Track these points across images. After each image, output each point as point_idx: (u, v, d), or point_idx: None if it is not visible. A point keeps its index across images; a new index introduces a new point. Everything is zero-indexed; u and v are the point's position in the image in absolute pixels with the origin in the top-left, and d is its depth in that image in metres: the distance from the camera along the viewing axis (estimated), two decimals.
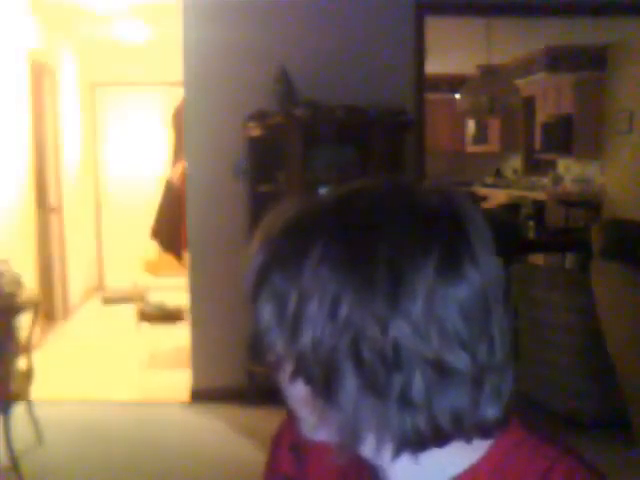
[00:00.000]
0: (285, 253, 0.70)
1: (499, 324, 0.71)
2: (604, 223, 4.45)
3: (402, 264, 0.67)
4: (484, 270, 0.69)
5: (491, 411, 0.71)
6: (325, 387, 0.69)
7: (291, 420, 0.83)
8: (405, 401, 0.67)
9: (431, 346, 0.66)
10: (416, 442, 0.69)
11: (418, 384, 0.67)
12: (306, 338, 0.68)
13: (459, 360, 0.67)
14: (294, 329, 0.69)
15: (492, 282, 0.71)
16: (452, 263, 0.68)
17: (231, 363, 4.41)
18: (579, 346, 3.93)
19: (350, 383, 0.67)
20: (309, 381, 0.70)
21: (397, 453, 0.71)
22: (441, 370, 0.67)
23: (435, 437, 0.69)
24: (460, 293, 0.68)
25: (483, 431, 0.72)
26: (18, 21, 5.44)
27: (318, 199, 0.74)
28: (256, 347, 0.75)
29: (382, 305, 0.66)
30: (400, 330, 0.66)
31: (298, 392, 0.72)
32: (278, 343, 0.71)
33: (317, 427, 0.73)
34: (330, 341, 0.67)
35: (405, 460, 0.72)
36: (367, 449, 0.72)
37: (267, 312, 0.71)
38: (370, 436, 0.70)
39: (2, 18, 5.13)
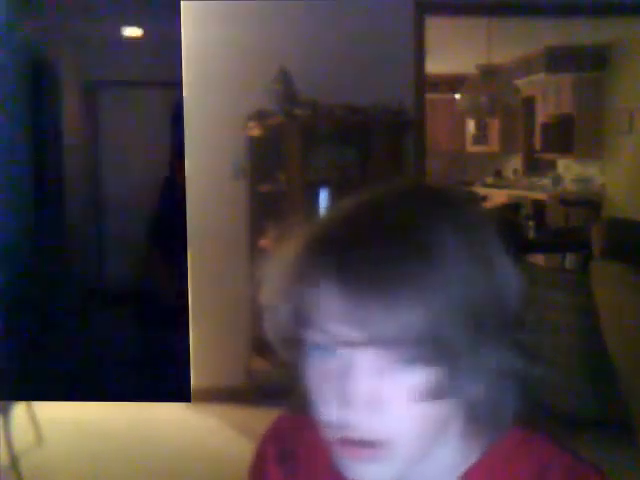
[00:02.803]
0: (418, 247, 0.68)
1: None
2: (604, 223, 4.44)
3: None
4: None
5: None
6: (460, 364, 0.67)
7: (276, 430, 0.86)
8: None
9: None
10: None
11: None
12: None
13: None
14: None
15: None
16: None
17: (231, 363, 4.41)
18: (579, 346, 3.93)
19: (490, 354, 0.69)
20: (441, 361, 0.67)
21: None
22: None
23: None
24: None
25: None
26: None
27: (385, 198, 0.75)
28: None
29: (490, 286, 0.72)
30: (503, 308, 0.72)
31: (407, 380, 0.67)
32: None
33: (406, 422, 0.69)
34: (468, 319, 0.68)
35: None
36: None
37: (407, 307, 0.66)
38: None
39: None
